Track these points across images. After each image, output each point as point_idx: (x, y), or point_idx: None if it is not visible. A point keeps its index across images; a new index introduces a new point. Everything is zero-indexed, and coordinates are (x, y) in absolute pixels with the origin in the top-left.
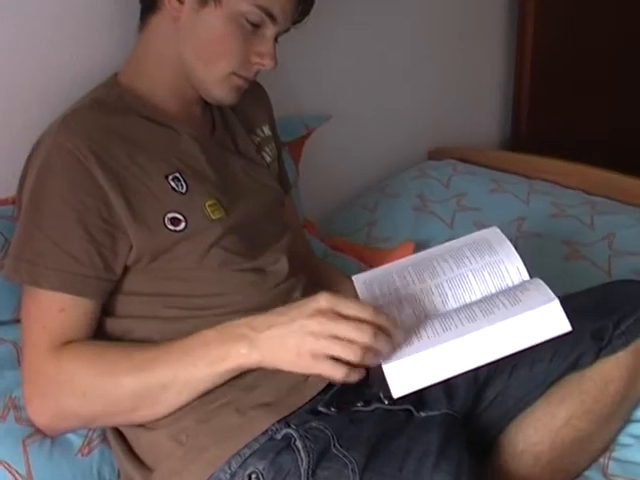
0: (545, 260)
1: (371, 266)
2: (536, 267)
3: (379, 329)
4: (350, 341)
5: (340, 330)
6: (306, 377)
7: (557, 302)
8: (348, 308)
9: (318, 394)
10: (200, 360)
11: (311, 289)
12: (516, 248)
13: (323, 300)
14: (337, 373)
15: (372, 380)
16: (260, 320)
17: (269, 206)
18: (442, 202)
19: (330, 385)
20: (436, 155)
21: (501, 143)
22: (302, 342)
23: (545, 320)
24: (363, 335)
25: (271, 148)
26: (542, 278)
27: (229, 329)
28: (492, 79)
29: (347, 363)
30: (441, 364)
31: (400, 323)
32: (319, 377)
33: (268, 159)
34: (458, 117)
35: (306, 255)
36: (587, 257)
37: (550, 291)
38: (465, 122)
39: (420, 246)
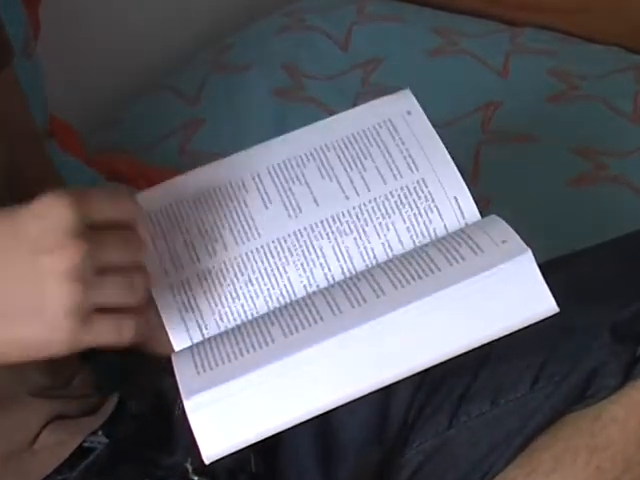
0: (534, 184)
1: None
2: (515, 198)
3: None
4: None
5: (110, 255)
6: (33, 439)
7: (530, 254)
8: (105, 209)
9: (57, 470)
10: None
11: None
12: (476, 160)
13: (69, 210)
14: (126, 332)
15: (173, 441)
16: None
17: None
18: (334, 78)
19: (83, 450)
20: None
21: None
22: (58, 299)
23: (505, 291)
24: (137, 254)
25: None
26: (525, 220)
27: None
28: None
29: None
30: (298, 391)
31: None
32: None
33: None
34: None
35: (42, 182)
36: (619, 177)
37: (517, 236)
38: None
39: None
